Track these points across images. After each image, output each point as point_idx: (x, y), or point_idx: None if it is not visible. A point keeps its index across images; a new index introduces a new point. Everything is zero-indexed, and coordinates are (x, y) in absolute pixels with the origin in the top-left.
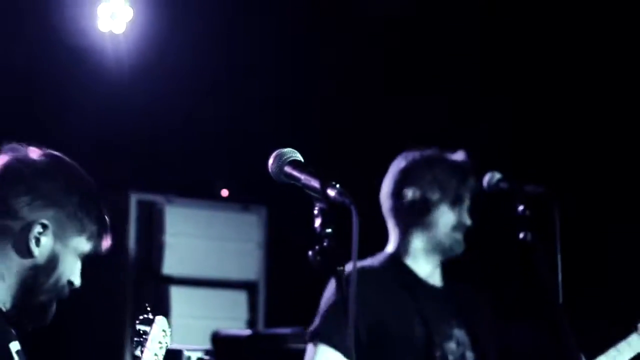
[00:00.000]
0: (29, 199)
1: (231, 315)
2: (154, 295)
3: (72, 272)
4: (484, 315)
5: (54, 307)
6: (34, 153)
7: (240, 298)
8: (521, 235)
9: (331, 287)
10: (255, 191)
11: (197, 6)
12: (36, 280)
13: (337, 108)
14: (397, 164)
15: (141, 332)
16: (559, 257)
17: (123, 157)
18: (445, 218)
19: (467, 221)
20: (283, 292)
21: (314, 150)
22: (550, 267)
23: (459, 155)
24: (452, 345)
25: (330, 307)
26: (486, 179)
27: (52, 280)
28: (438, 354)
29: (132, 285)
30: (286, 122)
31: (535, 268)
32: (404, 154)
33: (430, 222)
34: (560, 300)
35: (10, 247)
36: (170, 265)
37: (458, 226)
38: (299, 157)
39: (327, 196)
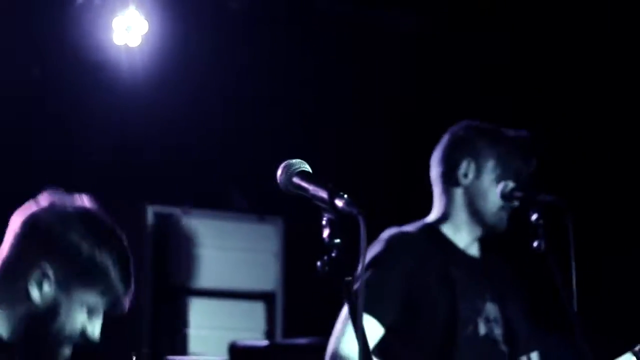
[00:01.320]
0: (37, 243)
1: (248, 326)
2: (171, 306)
3: (76, 323)
4: (517, 291)
5: (64, 352)
6: (69, 201)
7: (257, 309)
8: (535, 244)
9: (376, 246)
10: (271, 202)
11: (212, 19)
12: (35, 325)
13: (353, 121)
14: (456, 131)
15: None
16: (572, 265)
17: (139, 169)
18: (494, 195)
19: (515, 202)
20: (300, 303)
21: (329, 161)
22: (564, 276)
23: (522, 134)
24: (482, 321)
25: (373, 275)
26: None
27: (53, 328)
28: (470, 328)
29: (149, 296)
30: (301, 133)
31: (549, 277)
32: (464, 123)
33: (478, 196)
34: (575, 308)
35: (16, 289)
36: (187, 277)
37: (505, 206)
38: (308, 168)
39: (335, 207)
